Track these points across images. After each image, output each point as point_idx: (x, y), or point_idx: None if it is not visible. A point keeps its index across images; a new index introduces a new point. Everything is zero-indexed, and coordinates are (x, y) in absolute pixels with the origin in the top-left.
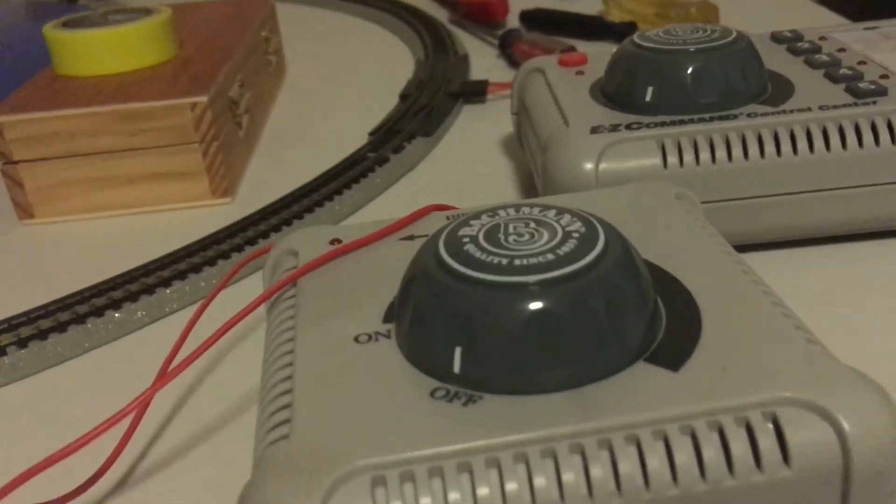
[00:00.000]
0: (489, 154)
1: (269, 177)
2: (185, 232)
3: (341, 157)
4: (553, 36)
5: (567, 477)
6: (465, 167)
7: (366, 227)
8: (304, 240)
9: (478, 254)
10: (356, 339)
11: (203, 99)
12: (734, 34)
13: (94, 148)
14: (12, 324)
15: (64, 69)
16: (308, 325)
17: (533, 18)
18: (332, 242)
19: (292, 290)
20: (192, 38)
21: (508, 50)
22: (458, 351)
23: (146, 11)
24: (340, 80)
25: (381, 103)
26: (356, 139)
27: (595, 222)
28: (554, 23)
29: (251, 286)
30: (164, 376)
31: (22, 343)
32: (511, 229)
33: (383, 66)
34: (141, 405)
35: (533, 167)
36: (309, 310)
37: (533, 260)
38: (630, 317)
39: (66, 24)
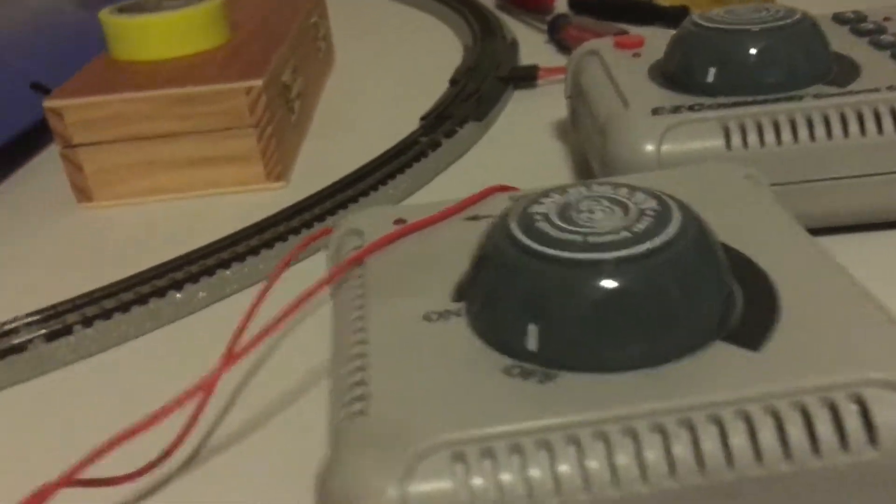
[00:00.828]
0: (541, 138)
1: (321, 161)
2: (240, 215)
3: (393, 142)
4: (602, 21)
5: (648, 455)
6: (516, 152)
7: (429, 207)
8: (369, 219)
9: (552, 231)
10: (426, 318)
11: (258, 83)
12: (798, 14)
13: (151, 131)
14: (77, 303)
15: (120, 54)
16: (378, 303)
17: (581, 3)
18: (397, 222)
19: (359, 270)
20: (243, 23)
21: (558, 35)
22: (533, 329)
23: None
24: (388, 66)
25: (430, 89)
26: (407, 124)
27: (669, 200)
28: (603, 7)
29: (308, 268)
30: (231, 356)
31: (87, 322)
32: (584, 207)
33: (430, 51)
34: (210, 383)
35: (589, 151)
36: (377, 288)
37: (608, 237)
38: (707, 295)
39: (122, 10)
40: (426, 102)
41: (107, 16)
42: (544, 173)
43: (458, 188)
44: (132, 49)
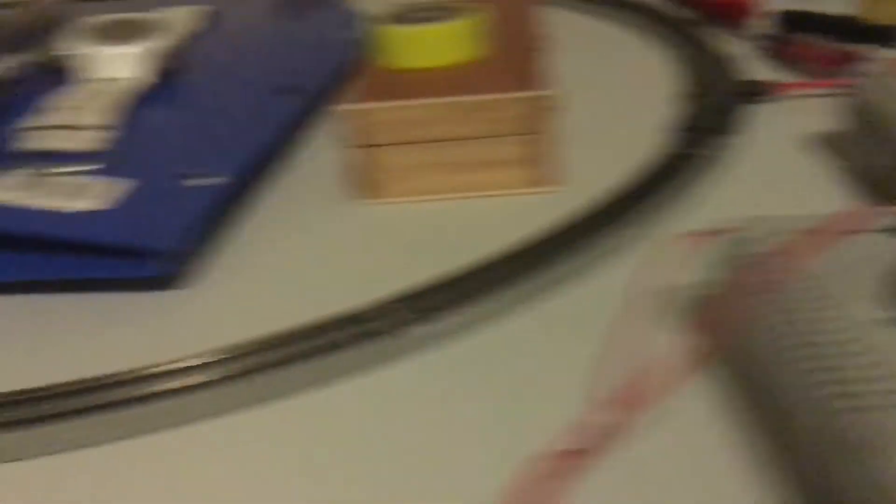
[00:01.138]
0: (793, 154)
1: (580, 168)
2: (524, 217)
3: (642, 154)
4: (811, 36)
5: None
6: (774, 168)
7: (809, 219)
8: (765, 229)
9: None
10: (880, 322)
11: (537, 93)
12: None
13: (439, 135)
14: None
15: (399, 62)
16: (833, 307)
17: (790, 20)
18: (780, 234)
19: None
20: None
21: (777, 51)
22: None
23: (455, 8)
24: (601, 79)
25: (653, 101)
26: (647, 136)
27: None
28: (811, 23)
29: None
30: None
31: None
32: None
33: (643, 65)
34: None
35: (884, 173)
36: (819, 293)
37: None
38: None
39: (396, 21)
40: (653, 115)
41: (386, 27)
42: (815, 192)
43: (729, 202)
44: (414, 57)
